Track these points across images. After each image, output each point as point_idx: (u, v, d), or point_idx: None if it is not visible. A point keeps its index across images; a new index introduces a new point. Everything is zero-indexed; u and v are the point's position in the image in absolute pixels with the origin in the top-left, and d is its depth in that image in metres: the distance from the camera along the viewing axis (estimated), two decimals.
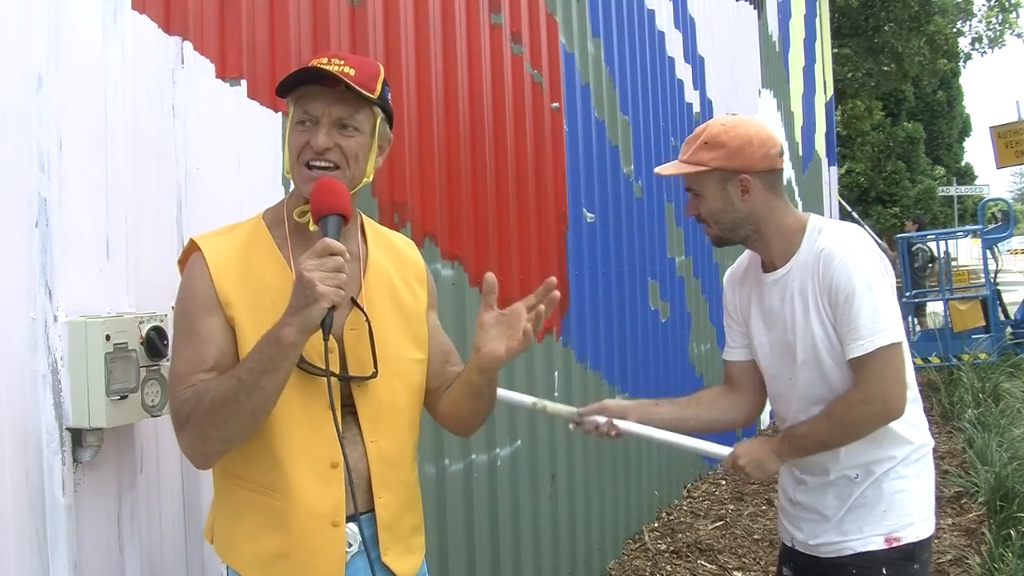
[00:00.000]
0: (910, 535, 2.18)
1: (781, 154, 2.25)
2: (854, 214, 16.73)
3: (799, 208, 9.49)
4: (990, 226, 11.77)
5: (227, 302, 1.69)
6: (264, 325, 1.64)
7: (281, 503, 1.69)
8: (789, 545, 2.38)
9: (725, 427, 2.45)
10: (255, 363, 1.58)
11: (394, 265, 1.90)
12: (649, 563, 4.78)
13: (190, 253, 1.77)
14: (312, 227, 1.71)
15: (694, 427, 2.34)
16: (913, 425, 2.24)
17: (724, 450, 2.25)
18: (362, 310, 1.78)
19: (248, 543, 1.72)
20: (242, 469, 1.72)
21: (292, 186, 1.81)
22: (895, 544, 2.18)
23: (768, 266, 2.28)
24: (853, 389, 2.13)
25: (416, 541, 1.88)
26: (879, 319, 2.08)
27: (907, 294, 11.55)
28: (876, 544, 2.17)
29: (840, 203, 13.44)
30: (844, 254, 2.11)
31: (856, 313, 2.08)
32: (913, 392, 2.24)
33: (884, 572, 2.17)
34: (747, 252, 2.41)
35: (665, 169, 2.30)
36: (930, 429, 2.32)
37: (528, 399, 2.36)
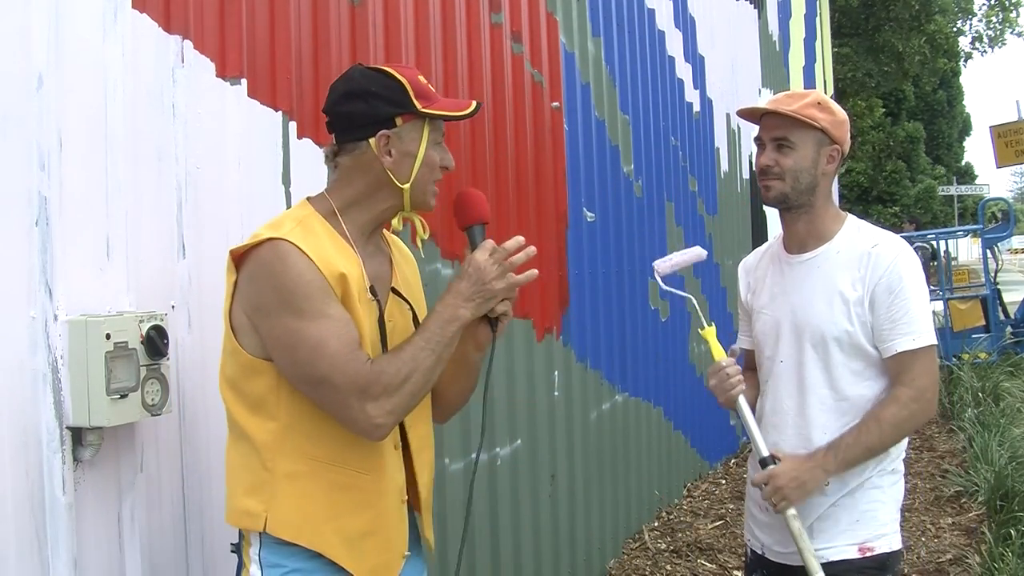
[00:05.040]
0: (883, 545, 2.19)
1: None
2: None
3: None
4: (990, 226, 11.78)
5: (336, 292, 1.74)
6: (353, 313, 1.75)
7: (373, 483, 1.81)
8: (759, 552, 2.36)
9: None
10: (440, 338, 1.75)
11: (404, 258, 2.04)
12: (649, 562, 4.78)
13: (273, 246, 1.71)
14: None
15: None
16: None
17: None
18: (403, 298, 1.91)
19: (332, 523, 1.77)
20: (332, 452, 1.77)
21: (290, 185, 1.81)
22: (868, 554, 2.18)
23: (796, 247, 2.29)
24: (901, 387, 2.13)
25: (429, 519, 2.07)
26: (928, 318, 2.15)
27: None
28: (849, 553, 2.17)
29: None
30: (898, 252, 2.17)
31: (908, 308, 2.12)
32: None
33: None
34: (767, 244, 2.45)
35: (778, 103, 2.22)
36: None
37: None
